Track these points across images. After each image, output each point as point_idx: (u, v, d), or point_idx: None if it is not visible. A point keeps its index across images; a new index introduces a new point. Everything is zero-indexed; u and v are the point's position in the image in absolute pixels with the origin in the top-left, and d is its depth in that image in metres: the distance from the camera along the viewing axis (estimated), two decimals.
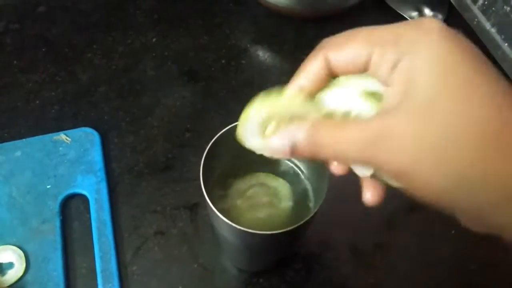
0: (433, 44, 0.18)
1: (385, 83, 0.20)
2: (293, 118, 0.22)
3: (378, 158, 0.18)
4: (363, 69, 0.21)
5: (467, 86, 0.17)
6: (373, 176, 0.21)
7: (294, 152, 0.21)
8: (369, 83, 0.21)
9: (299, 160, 0.35)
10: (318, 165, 0.31)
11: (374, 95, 0.20)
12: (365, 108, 0.20)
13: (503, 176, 0.17)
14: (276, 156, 0.22)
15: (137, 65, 0.54)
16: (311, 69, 0.22)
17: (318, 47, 0.22)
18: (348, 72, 0.21)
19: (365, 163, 0.20)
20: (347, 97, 0.21)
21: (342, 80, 0.22)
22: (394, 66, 0.19)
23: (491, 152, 0.17)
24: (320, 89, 0.22)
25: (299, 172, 0.36)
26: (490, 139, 0.17)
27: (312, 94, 0.22)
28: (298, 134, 0.21)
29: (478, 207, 0.18)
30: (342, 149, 0.19)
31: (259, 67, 0.54)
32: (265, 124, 0.23)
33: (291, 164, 0.36)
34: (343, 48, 0.21)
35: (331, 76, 0.22)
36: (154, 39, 0.56)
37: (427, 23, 0.19)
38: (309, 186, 0.35)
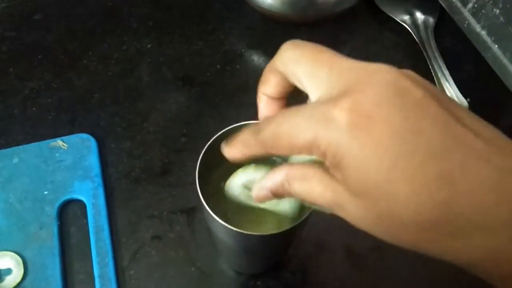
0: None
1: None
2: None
3: (340, 214, 0.21)
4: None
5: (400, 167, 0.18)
6: None
7: (272, 195, 0.23)
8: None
9: None
10: None
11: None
12: None
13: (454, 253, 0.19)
14: (261, 200, 0.24)
15: (133, 71, 0.54)
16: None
17: (255, 135, 0.22)
18: None
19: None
20: None
21: None
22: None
23: (433, 234, 0.18)
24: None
25: None
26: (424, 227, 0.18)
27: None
28: (276, 180, 0.22)
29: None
30: (312, 200, 0.21)
31: (254, 72, 0.55)
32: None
33: None
34: (277, 149, 0.21)
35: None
36: (149, 45, 0.57)
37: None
38: None
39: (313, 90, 0.20)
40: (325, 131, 0.18)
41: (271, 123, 0.21)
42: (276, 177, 0.22)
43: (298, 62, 0.21)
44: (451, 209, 0.17)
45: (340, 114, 0.18)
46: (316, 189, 0.20)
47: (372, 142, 0.17)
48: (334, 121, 0.18)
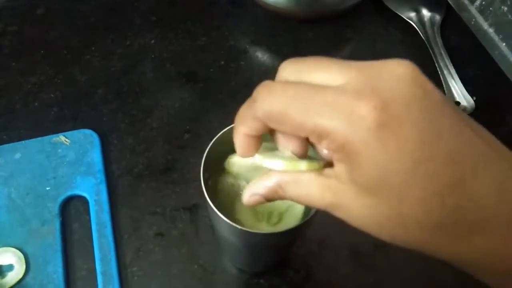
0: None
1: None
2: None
3: (339, 215, 0.20)
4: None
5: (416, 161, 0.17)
6: None
7: (265, 200, 0.23)
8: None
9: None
10: None
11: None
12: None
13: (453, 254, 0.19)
14: (252, 206, 0.24)
15: (136, 67, 0.54)
16: (252, 134, 0.22)
17: (253, 107, 0.20)
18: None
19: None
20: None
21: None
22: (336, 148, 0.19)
23: (437, 236, 0.18)
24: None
25: None
26: (434, 224, 0.18)
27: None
28: (268, 186, 0.22)
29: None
30: (309, 203, 0.21)
31: (258, 68, 0.54)
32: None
33: None
34: (283, 126, 0.20)
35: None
36: (152, 41, 0.56)
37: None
38: None
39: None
40: (349, 126, 0.17)
41: (282, 96, 0.19)
42: (268, 183, 0.22)
43: (302, 72, 0.20)
44: (458, 213, 0.18)
45: (369, 111, 0.17)
46: (313, 191, 0.20)
47: (397, 144, 0.17)
48: (361, 118, 0.17)
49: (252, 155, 0.23)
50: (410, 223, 0.18)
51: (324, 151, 0.22)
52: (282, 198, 0.22)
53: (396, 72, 0.18)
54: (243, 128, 0.22)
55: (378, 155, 0.17)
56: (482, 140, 0.18)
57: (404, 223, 0.18)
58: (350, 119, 0.17)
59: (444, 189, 0.17)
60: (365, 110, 0.17)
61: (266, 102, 0.19)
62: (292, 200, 0.22)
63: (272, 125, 0.20)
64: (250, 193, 0.23)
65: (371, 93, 0.17)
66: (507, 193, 0.18)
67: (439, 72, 0.53)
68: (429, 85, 0.18)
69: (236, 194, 0.34)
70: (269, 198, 0.22)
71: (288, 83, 0.20)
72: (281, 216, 0.32)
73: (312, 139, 0.19)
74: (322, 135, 0.18)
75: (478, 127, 0.19)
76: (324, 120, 0.18)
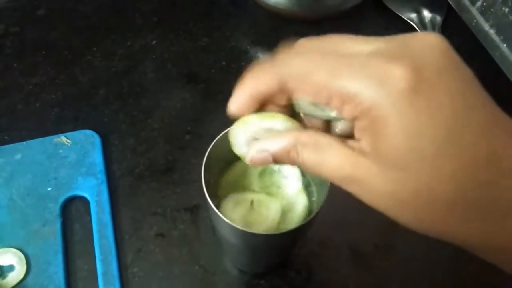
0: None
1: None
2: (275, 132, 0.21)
3: (354, 191, 0.19)
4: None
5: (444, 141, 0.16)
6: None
7: (273, 161, 0.21)
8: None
9: None
10: None
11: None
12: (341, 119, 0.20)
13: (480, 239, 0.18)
14: (256, 164, 0.21)
15: (137, 67, 0.54)
16: (261, 90, 0.20)
17: (275, 64, 0.19)
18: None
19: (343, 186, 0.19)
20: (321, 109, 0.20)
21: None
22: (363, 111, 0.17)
23: (467, 217, 0.17)
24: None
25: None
26: (461, 203, 0.17)
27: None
28: (283, 145, 0.20)
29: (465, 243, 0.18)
30: (322, 173, 0.19)
31: None
32: (254, 136, 0.22)
33: None
34: (305, 85, 0.18)
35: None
36: (153, 42, 0.56)
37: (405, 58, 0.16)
38: (312, 184, 0.35)
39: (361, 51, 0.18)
40: (378, 89, 0.16)
41: (303, 57, 0.18)
42: (283, 142, 0.20)
43: (324, 47, 0.19)
44: (493, 190, 0.16)
45: (402, 73, 0.16)
46: (331, 161, 0.18)
47: (430, 110, 0.16)
48: (393, 79, 0.16)
49: (242, 114, 0.21)
50: (439, 200, 0.17)
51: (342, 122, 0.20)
52: (293, 162, 0.20)
53: (428, 41, 0.17)
54: (252, 81, 0.20)
55: (410, 122, 0.16)
56: (506, 117, 0.18)
57: (432, 201, 0.17)
58: (381, 80, 0.16)
59: (479, 163, 0.16)
60: (398, 72, 0.16)
61: (293, 61, 0.19)
62: (303, 167, 0.20)
63: (292, 85, 0.19)
64: (259, 149, 0.20)
65: (404, 56, 0.16)
66: None
67: None
68: (459, 59, 0.18)
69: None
70: (278, 160, 0.20)
71: (317, 50, 0.19)
72: (284, 216, 0.32)
73: (334, 104, 0.18)
74: (346, 98, 0.17)
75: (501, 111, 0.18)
76: (350, 81, 0.17)
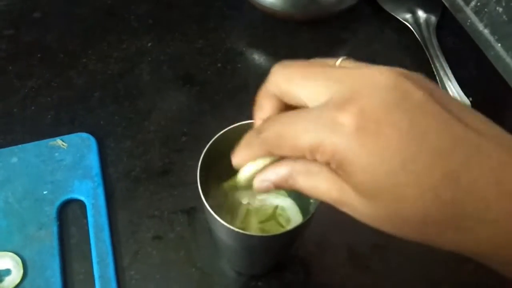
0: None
1: None
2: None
3: (345, 211, 0.21)
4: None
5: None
6: None
7: (275, 188, 0.23)
8: None
9: None
10: None
11: None
12: None
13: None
14: (262, 192, 0.24)
15: (133, 69, 0.54)
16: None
17: (260, 136, 0.22)
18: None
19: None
20: None
21: None
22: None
23: (440, 229, 0.19)
24: None
25: None
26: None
27: None
28: (280, 173, 0.22)
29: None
30: (318, 196, 0.21)
31: (255, 71, 0.54)
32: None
33: None
34: (283, 149, 0.21)
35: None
36: (149, 44, 0.56)
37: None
38: None
39: (314, 101, 0.20)
40: (332, 136, 0.18)
41: (276, 123, 0.21)
42: (280, 171, 0.22)
43: (292, 80, 0.21)
44: (456, 207, 0.18)
45: (348, 119, 0.18)
46: (321, 185, 0.21)
47: (380, 147, 0.18)
48: (341, 126, 0.18)
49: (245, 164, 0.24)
50: (410, 220, 0.19)
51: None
52: (291, 187, 0.22)
53: (376, 80, 0.19)
54: (246, 153, 0.23)
55: (364, 159, 0.18)
56: (476, 133, 0.18)
57: (405, 221, 0.19)
58: (333, 129, 0.18)
59: (437, 185, 0.17)
60: (344, 118, 0.18)
61: (270, 130, 0.21)
62: (300, 191, 0.22)
63: (275, 152, 0.21)
64: (262, 179, 0.23)
65: (350, 102, 0.18)
66: (507, 182, 0.18)
67: (435, 73, 0.53)
68: (411, 88, 0.18)
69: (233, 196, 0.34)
70: (279, 186, 0.23)
71: (279, 114, 0.22)
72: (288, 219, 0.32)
73: (309, 158, 0.20)
74: (314, 149, 0.19)
75: (476, 119, 0.19)
76: (312, 135, 0.19)
